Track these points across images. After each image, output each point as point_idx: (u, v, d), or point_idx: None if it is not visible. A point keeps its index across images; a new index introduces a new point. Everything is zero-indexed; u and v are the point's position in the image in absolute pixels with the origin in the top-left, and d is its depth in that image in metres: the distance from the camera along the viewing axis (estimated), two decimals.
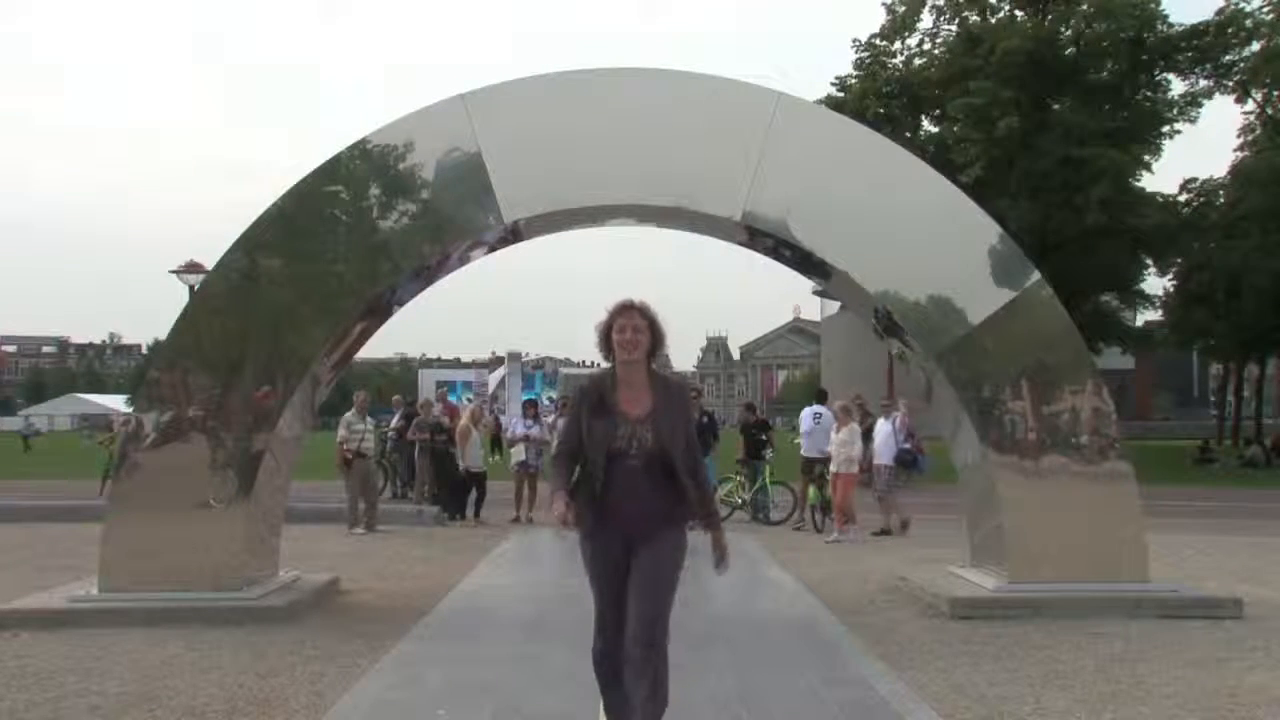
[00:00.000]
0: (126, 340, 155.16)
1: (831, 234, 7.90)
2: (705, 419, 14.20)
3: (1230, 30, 28.40)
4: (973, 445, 7.88)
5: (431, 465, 15.51)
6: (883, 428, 13.67)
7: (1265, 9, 28.76)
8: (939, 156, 25.92)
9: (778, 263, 8.54)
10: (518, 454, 15.07)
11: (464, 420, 15.36)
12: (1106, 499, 7.67)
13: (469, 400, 26.22)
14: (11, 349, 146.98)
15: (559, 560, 10.39)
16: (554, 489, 4.24)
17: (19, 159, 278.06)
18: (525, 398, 20.34)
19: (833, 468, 12.82)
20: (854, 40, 31.18)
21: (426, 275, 8.28)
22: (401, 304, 8.44)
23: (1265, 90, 30.93)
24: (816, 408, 14.46)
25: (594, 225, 8.53)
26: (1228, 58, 29.14)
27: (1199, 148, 35.28)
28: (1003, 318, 7.81)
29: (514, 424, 16.10)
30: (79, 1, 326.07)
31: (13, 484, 22.50)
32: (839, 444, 12.78)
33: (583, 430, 4.17)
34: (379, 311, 8.25)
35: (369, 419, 14.10)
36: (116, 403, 74.17)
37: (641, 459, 4.06)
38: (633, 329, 4.15)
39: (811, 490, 13.93)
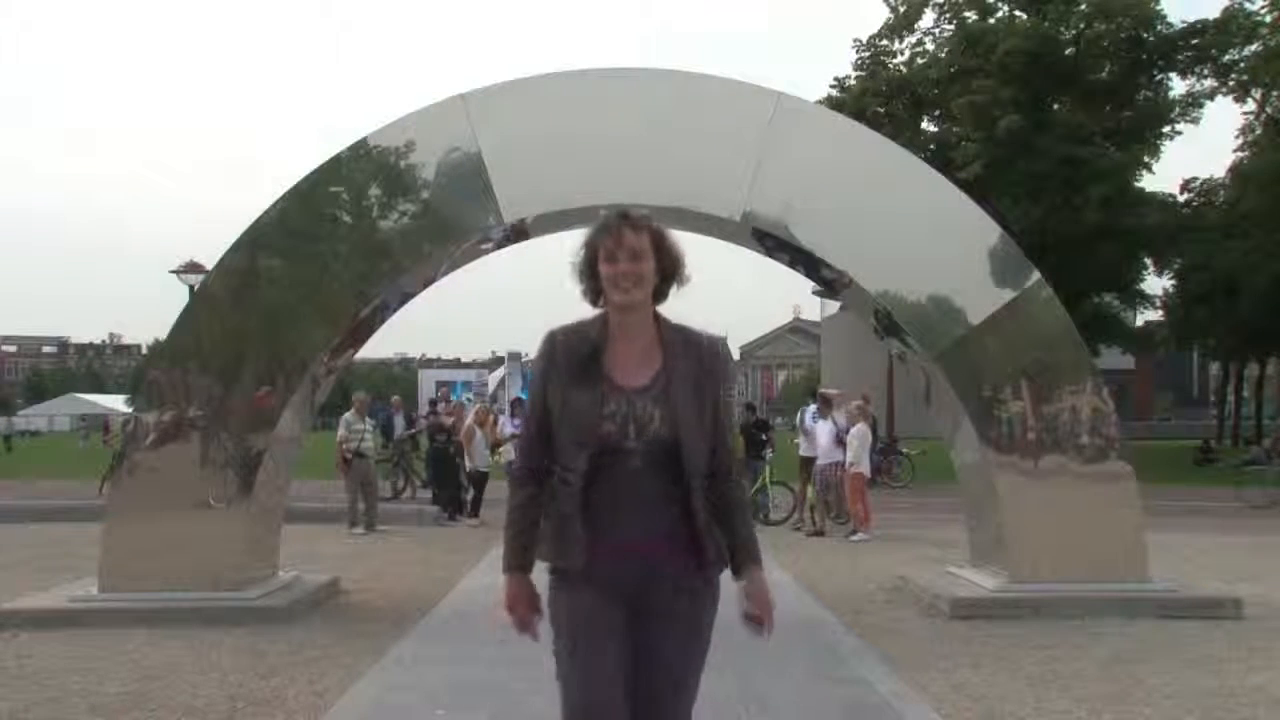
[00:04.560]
0: (126, 340, 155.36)
1: (831, 234, 7.90)
2: None
3: (1230, 29, 28.37)
4: (973, 445, 7.88)
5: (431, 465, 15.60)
6: (824, 428, 13.54)
7: (1265, 9, 28.73)
8: (939, 156, 25.90)
9: (778, 263, 8.54)
10: (507, 453, 15.08)
11: (469, 420, 15.37)
12: (1106, 499, 7.67)
13: (469, 400, 26.25)
14: (11, 349, 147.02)
15: None
16: (507, 551, 2.77)
17: (19, 158, 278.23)
18: (513, 396, 20.34)
19: (855, 469, 12.97)
20: (854, 40, 31.20)
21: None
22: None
23: (1265, 90, 30.89)
24: (816, 407, 14.49)
25: None
26: (1227, 57, 29.13)
27: (1199, 148, 35.30)
28: (1003, 318, 7.81)
29: (503, 423, 16.12)
30: (79, 1, 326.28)
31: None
32: (855, 442, 12.91)
33: (551, 410, 2.72)
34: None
35: (368, 419, 14.13)
36: (116, 403, 74.34)
37: (645, 454, 2.63)
38: (629, 254, 2.67)
39: (811, 490, 13.96)
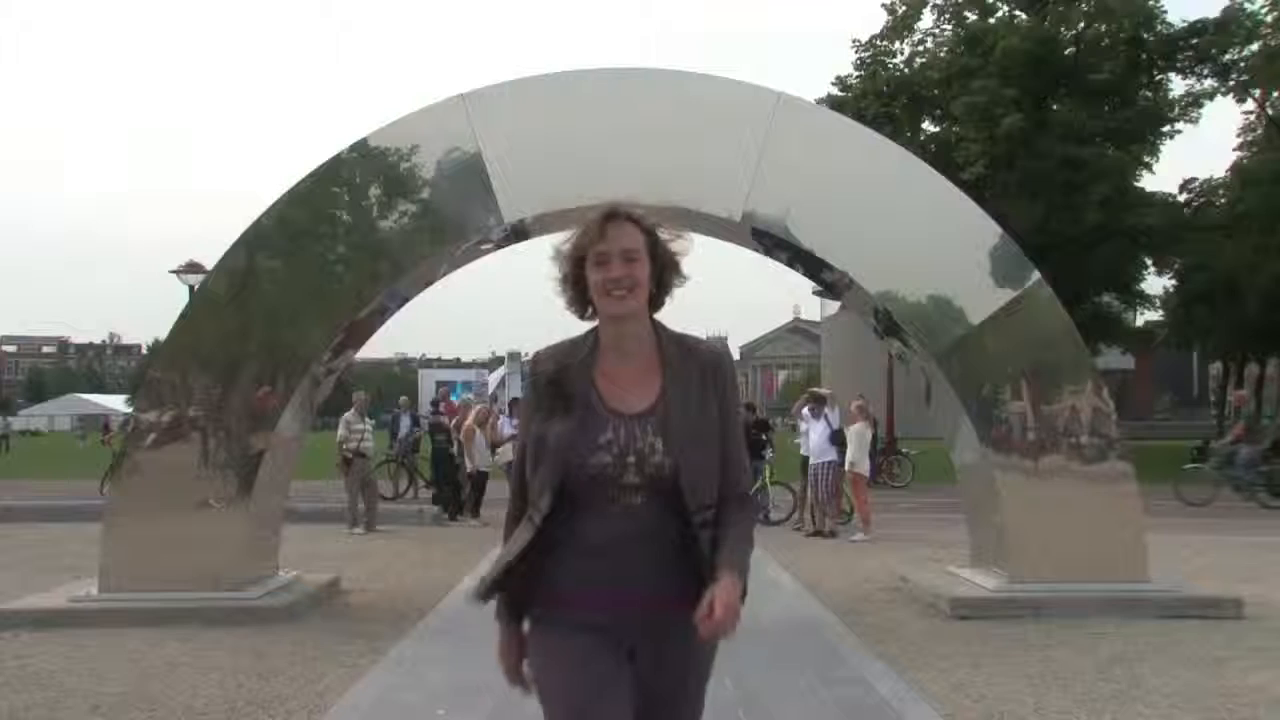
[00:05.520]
0: (126, 340, 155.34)
1: (831, 234, 7.90)
2: None
3: (1231, 29, 28.40)
4: (973, 445, 7.88)
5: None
6: (817, 427, 13.36)
7: (1265, 9, 28.75)
8: (939, 156, 25.90)
9: (778, 263, 8.55)
10: (505, 454, 15.08)
11: (469, 421, 15.38)
12: (1106, 499, 7.67)
13: (470, 400, 26.26)
14: (11, 349, 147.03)
15: None
16: (497, 610, 2.46)
17: (19, 160, 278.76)
18: (510, 397, 20.35)
19: (855, 469, 13.03)
20: (854, 40, 31.16)
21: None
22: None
23: (1265, 90, 30.89)
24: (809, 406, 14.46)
25: None
26: (1227, 57, 29.15)
27: (1199, 148, 35.30)
28: (1003, 318, 7.81)
29: (503, 423, 16.12)
30: (79, 1, 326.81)
31: None
32: (855, 442, 12.93)
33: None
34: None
35: (368, 419, 14.15)
36: (116, 403, 74.40)
37: (648, 490, 2.27)
38: (622, 255, 2.32)
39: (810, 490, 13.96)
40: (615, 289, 2.31)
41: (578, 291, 2.39)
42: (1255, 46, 28.93)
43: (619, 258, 2.32)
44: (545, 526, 2.27)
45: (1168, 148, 30.05)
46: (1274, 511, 17.04)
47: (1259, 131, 32.75)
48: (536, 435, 2.33)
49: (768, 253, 8.32)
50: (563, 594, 2.29)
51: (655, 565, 2.28)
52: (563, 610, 2.29)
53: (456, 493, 15.18)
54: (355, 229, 7.91)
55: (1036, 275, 7.98)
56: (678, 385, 2.34)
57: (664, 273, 2.40)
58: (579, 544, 2.27)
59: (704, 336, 2.62)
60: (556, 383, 2.35)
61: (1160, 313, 36.22)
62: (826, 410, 13.55)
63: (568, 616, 2.29)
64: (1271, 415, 44.35)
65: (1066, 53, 28.97)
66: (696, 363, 2.39)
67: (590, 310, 2.40)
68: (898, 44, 31.12)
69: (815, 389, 14.91)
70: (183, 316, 8.12)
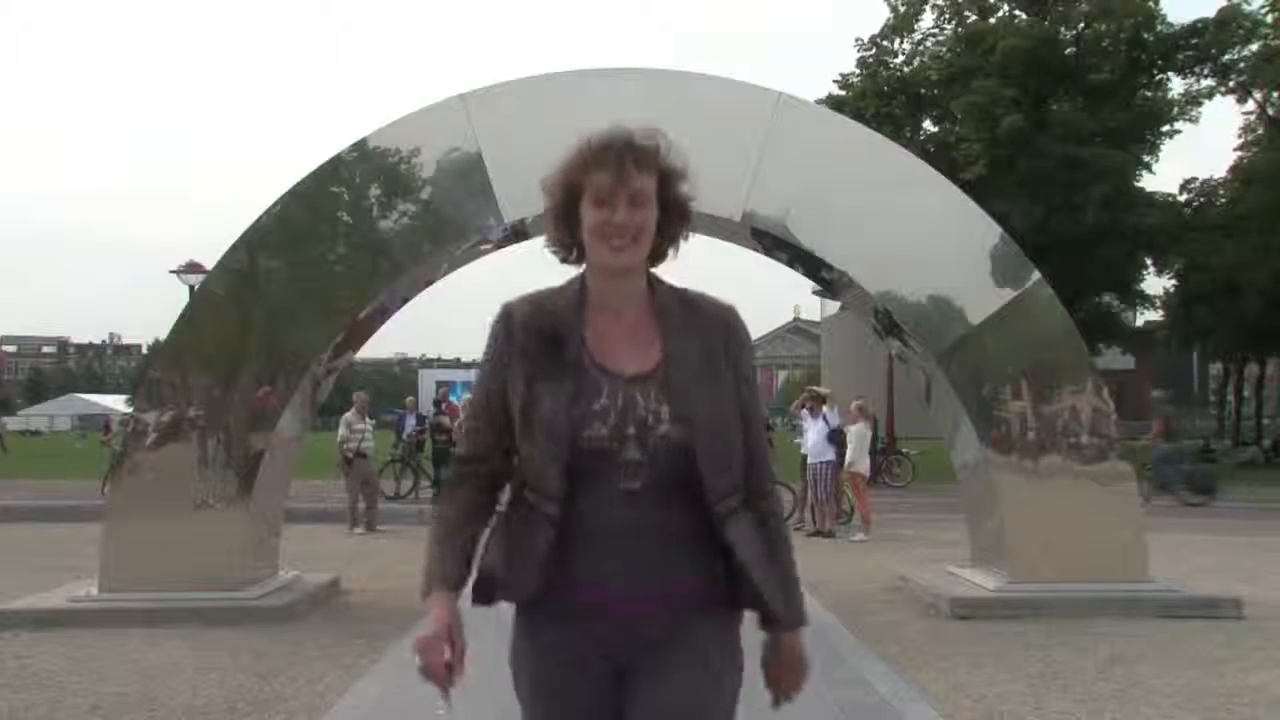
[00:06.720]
0: (126, 340, 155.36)
1: (831, 234, 7.91)
2: None
3: (1230, 29, 28.42)
4: (973, 445, 7.88)
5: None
6: (815, 427, 13.28)
7: (1265, 9, 28.76)
8: (939, 156, 25.89)
9: (778, 263, 8.55)
10: None
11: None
12: (1106, 499, 7.67)
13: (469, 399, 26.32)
14: (11, 349, 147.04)
15: None
16: (426, 565, 2.19)
17: (19, 159, 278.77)
18: None
19: (854, 469, 13.05)
20: (856, 39, 31.21)
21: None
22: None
23: (1265, 90, 30.91)
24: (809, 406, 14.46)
25: None
26: (1227, 57, 29.18)
27: (1199, 148, 35.31)
28: (1003, 318, 7.82)
29: None
30: (80, 1, 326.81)
31: None
32: (855, 442, 12.93)
33: (511, 410, 1.97)
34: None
35: (369, 419, 14.15)
36: (116, 403, 74.31)
37: (651, 467, 1.88)
38: (629, 198, 1.93)
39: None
40: (616, 237, 1.92)
41: (565, 232, 2.02)
42: (1255, 46, 28.96)
43: (625, 197, 1.92)
44: (563, 512, 1.89)
45: (1168, 148, 30.12)
46: (1274, 511, 17.04)
47: (1259, 131, 32.76)
48: (524, 399, 1.92)
49: (768, 253, 8.32)
50: (562, 590, 1.94)
51: (669, 559, 1.90)
52: (559, 607, 1.97)
53: None
54: (355, 229, 7.91)
55: (1036, 275, 7.98)
56: (681, 343, 1.95)
57: (674, 219, 2.00)
58: (580, 534, 1.90)
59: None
60: (536, 341, 1.95)
61: (1160, 313, 36.21)
62: (825, 410, 13.53)
63: (558, 615, 1.98)
64: (1272, 415, 44.35)
65: (1066, 53, 29.00)
66: (702, 320, 2.00)
67: (576, 253, 2.03)
68: (898, 43, 31.15)
69: (814, 388, 14.91)
70: (183, 316, 8.12)
